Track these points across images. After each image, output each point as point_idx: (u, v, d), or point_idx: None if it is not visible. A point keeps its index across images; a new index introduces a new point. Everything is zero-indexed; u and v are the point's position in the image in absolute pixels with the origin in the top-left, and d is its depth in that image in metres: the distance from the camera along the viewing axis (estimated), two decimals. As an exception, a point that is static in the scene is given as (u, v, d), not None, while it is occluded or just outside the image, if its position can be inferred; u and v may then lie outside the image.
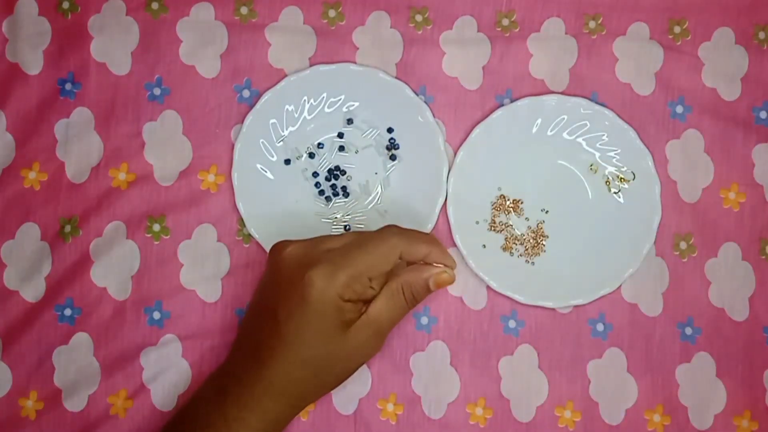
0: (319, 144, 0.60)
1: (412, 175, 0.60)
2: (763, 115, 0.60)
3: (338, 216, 0.60)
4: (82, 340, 0.58)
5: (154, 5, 0.61)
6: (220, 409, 0.50)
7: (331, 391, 0.58)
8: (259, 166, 0.60)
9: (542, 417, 0.58)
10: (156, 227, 0.59)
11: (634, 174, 0.59)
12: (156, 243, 0.59)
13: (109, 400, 0.58)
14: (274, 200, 0.59)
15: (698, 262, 0.59)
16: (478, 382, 0.58)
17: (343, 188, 0.60)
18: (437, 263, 0.52)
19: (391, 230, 0.51)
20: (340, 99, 0.60)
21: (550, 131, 0.59)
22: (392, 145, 0.60)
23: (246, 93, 0.60)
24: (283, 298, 0.50)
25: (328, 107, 0.60)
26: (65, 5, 0.61)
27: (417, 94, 0.59)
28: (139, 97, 0.60)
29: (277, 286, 0.51)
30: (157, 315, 0.59)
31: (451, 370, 0.59)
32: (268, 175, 0.60)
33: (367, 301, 0.51)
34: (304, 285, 0.49)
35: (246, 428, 0.50)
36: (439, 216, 0.59)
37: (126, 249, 0.59)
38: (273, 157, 0.60)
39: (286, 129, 0.60)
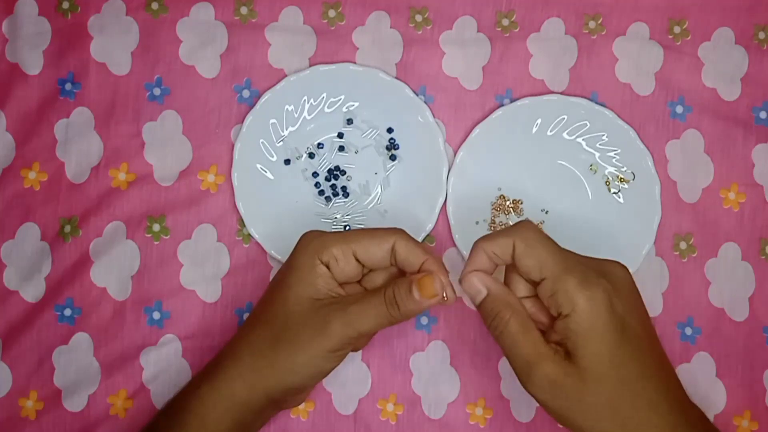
0: (319, 144, 0.60)
1: (412, 175, 0.60)
2: (763, 115, 0.60)
3: (338, 216, 0.60)
4: (82, 340, 0.58)
5: (154, 5, 0.61)
6: (197, 389, 0.50)
7: (331, 392, 0.58)
8: (259, 166, 0.60)
9: (542, 417, 0.58)
10: (156, 227, 0.59)
11: (634, 174, 0.59)
12: (156, 243, 0.59)
13: (109, 400, 0.58)
14: (274, 200, 0.59)
15: (698, 262, 0.59)
16: (478, 382, 0.58)
17: (343, 188, 0.60)
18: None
19: (397, 228, 0.50)
20: (340, 99, 0.60)
21: (550, 131, 0.59)
22: (392, 145, 0.60)
23: (246, 93, 0.60)
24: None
25: (328, 107, 0.60)
26: (65, 5, 0.61)
27: (417, 94, 0.59)
28: (139, 97, 0.60)
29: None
30: (157, 315, 0.59)
31: (451, 370, 0.59)
32: (268, 175, 0.60)
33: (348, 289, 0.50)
34: (296, 244, 0.50)
35: (214, 408, 0.49)
36: (439, 216, 0.59)
37: (126, 249, 0.59)
38: (273, 157, 0.60)
39: (286, 129, 0.60)
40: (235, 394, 0.49)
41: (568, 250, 0.47)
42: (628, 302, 0.46)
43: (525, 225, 0.47)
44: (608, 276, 0.46)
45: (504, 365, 0.58)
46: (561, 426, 0.47)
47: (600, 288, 0.45)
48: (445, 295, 0.48)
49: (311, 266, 0.48)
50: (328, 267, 0.49)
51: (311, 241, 0.49)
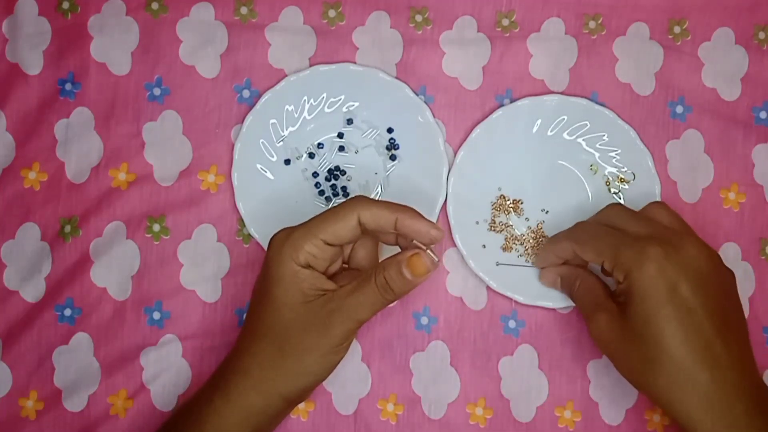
0: (319, 144, 0.60)
1: (412, 175, 0.60)
2: (763, 115, 0.60)
3: (338, 216, 0.60)
4: (82, 340, 0.58)
5: (154, 5, 0.61)
6: (211, 402, 0.50)
7: (331, 392, 0.58)
8: (259, 166, 0.60)
9: (542, 417, 0.58)
10: (156, 227, 0.59)
11: (634, 174, 0.59)
12: (156, 243, 0.59)
13: (109, 400, 0.58)
14: (274, 200, 0.59)
15: (698, 262, 0.59)
16: (478, 382, 0.58)
17: (343, 188, 0.60)
18: (412, 235, 0.49)
19: (356, 197, 0.50)
20: (340, 99, 0.60)
21: (550, 131, 0.59)
22: (392, 145, 0.60)
23: (246, 93, 0.60)
24: (258, 275, 0.52)
25: (328, 107, 0.60)
26: (65, 5, 0.61)
27: (417, 94, 0.59)
28: (139, 97, 0.60)
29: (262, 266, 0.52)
30: (157, 315, 0.59)
31: (451, 370, 0.59)
32: (268, 175, 0.60)
33: (332, 277, 0.51)
34: (267, 250, 0.50)
35: (231, 419, 0.50)
36: (439, 216, 0.59)
37: (126, 249, 0.59)
38: (273, 157, 0.60)
39: (286, 129, 0.60)
40: (252, 404, 0.50)
41: (624, 227, 0.51)
42: (688, 272, 0.48)
43: (578, 225, 0.55)
44: (664, 243, 0.48)
45: (504, 365, 0.58)
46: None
47: (648, 254, 0.48)
48: (436, 261, 0.49)
49: (292, 273, 0.48)
50: (309, 265, 0.49)
51: (282, 246, 0.49)
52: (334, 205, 0.53)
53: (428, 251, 0.49)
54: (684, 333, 0.47)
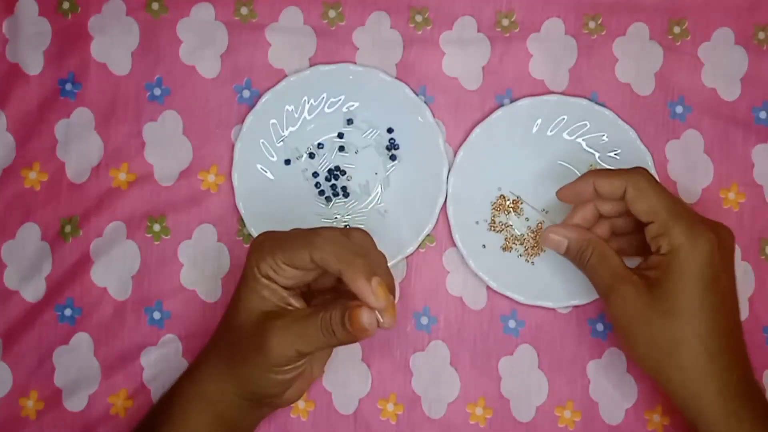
0: (319, 144, 0.60)
1: (412, 175, 0.60)
2: (762, 115, 0.60)
3: (338, 216, 0.60)
4: (82, 340, 0.58)
5: (155, 5, 0.61)
6: (181, 385, 0.52)
7: (331, 392, 0.58)
8: (259, 166, 0.60)
9: (542, 417, 0.58)
10: (156, 227, 0.59)
11: (634, 174, 0.59)
12: (156, 243, 0.59)
13: (110, 400, 0.58)
14: (274, 200, 0.59)
15: (698, 262, 0.59)
16: (478, 382, 0.58)
17: (343, 188, 0.60)
18: (358, 292, 0.45)
19: (323, 231, 0.48)
20: (340, 99, 0.60)
21: (550, 131, 0.59)
22: (392, 145, 0.60)
23: (246, 93, 0.60)
24: None
25: (328, 107, 0.60)
26: (65, 5, 0.61)
27: (417, 94, 0.59)
28: (139, 98, 0.60)
29: None
30: (157, 315, 0.59)
31: (451, 370, 0.59)
32: (268, 175, 0.60)
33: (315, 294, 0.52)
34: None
35: (195, 404, 0.50)
36: (439, 216, 0.59)
37: (126, 249, 0.59)
38: (273, 157, 0.60)
39: (286, 129, 0.60)
40: (210, 393, 0.50)
41: (679, 199, 0.52)
42: (726, 261, 0.50)
43: (638, 171, 0.50)
44: (715, 230, 0.49)
45: (504, 365, 0.58)
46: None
47: (705, 237, 0.48)
48: (379, 321, 0.45)
49: (254, 278, 0.48)
50: (269, 277, 0.48)
51: (254, 251, 0.48)
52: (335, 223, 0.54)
53: (375, 312, 0.45)
54: (719, 322, 0.48)
